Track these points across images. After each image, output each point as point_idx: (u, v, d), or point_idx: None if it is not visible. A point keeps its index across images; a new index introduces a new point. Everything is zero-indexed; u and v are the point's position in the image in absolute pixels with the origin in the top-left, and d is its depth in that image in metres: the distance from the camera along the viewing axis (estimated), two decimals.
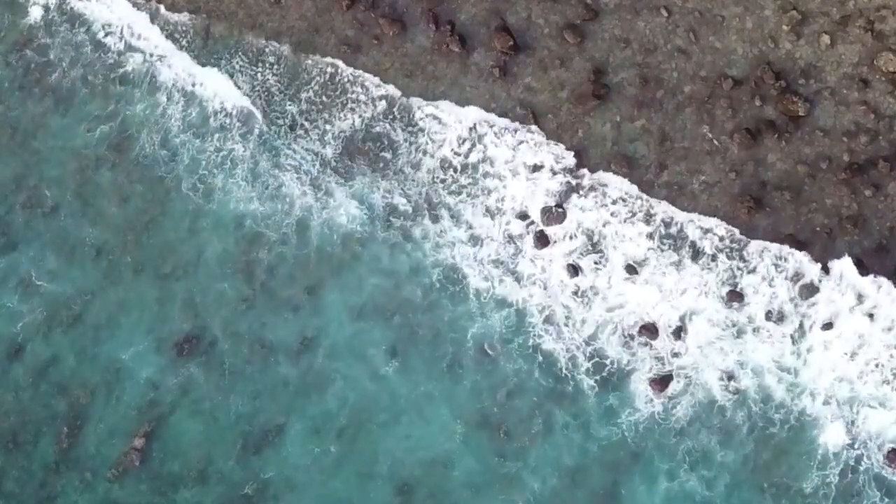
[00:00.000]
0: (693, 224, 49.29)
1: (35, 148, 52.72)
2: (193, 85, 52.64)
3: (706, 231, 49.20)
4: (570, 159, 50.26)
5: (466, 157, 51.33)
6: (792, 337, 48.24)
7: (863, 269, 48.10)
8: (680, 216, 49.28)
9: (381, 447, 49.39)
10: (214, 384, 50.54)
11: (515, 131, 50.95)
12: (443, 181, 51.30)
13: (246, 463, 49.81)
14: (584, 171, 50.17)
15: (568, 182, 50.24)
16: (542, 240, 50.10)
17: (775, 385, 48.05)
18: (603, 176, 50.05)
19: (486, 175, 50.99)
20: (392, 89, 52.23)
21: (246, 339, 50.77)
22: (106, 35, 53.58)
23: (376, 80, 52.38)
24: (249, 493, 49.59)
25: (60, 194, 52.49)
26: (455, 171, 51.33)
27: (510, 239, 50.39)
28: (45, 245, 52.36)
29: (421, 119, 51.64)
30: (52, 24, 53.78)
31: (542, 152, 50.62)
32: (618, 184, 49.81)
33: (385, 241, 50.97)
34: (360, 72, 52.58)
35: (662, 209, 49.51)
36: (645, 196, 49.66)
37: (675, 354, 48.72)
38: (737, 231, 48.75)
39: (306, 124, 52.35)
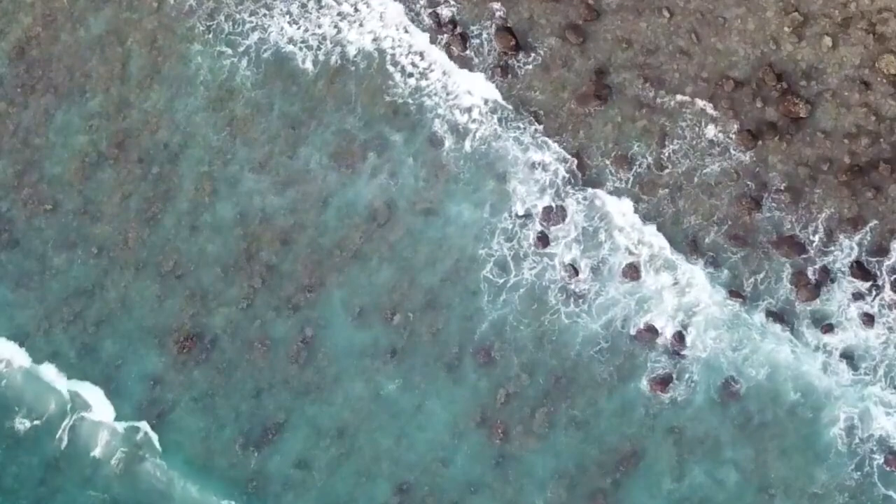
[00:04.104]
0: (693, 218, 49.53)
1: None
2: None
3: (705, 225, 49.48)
4: (571, 158, 50.37)
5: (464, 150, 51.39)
6: (793, 338, 48.35)
7: (863, 271, 48.20)
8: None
9: (384, 446, 49.69)
10: (215, 382, 50.65)
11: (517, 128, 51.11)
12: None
13: (246, 461, 49.92)
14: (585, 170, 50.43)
15: (569, 181, 50.29)
16: (542, 239, 50.12)
17: (777, 386, 48.13)
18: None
19: (487, 171, 51.04)
20: None
21: (247, 336, 50.87)
22: None
23: None
24: (249, 491, 49.72)
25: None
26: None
27: (515, 232, 50.47)
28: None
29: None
30: None
31: (543, 151, 50.63)
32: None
33: (405, 225, 51.01)
34: None
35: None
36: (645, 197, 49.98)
37: (676, 354, 48.77)
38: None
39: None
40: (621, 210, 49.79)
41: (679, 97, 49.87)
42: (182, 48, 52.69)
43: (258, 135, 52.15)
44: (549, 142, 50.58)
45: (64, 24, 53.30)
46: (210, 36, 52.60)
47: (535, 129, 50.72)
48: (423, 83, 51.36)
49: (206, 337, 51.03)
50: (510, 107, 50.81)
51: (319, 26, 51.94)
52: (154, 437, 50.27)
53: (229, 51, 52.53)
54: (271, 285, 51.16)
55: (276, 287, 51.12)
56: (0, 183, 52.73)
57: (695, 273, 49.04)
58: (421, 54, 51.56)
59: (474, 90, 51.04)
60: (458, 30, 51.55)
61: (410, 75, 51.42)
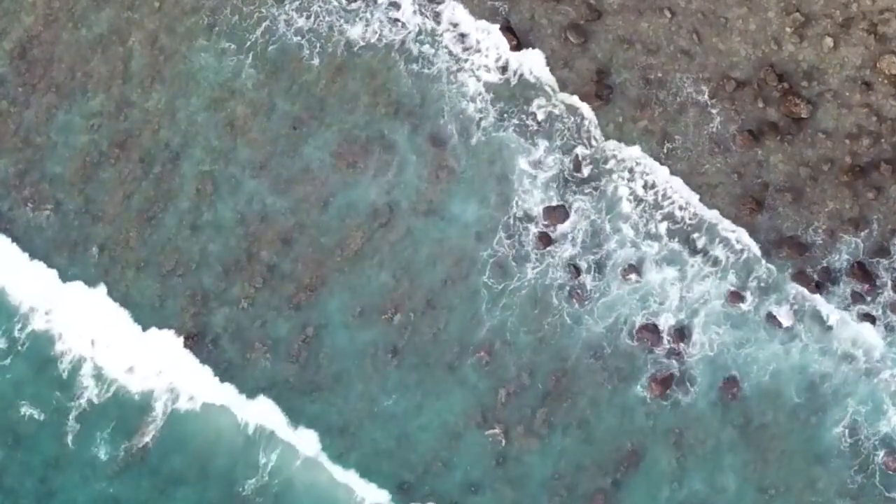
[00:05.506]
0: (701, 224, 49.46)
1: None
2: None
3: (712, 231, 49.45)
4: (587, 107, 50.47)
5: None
6: (793, 338, 48.37)
7: (864, 271, 48.22)
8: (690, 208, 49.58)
9: (384, 446, 49.67)
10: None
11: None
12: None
13: (246, 460, 49.94)
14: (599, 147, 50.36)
15: (570, 180, 50.35)
16: (544, 238, 50.12)
17: (780, 384, 48.15)
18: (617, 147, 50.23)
19: (490, 169, 51.02)
20: None
21: (248, 336, 50.87)
22: None
23: None
24: (250, 490, 49.71)
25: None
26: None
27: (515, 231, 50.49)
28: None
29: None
30: None
31: (549, 140, 50.58)
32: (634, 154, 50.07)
33: (407, 225, 50.96)
34: None
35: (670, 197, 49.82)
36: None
37: (678, 354, 48.77)
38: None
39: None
40: (635, 156, 49.73)
41: (680, 97, 49.92)
42: (184, 47, 52.71)
43: (259, 134, 52.14)
44: (567, 101, 50.30)
45: (65, 23, 53.31)
46: (215, 30, 52.55)
47: (553, 93, 50.55)
48: (427, 70, 51.33)
49: (206, 336, 51.03)
50: (541, 77, 50.70)
51: (329, 13, 51.84)
52: None
53: (233, 47, 52.48)
54: (272, 285, 51.17)
55: (277, 287, 51.12)
56: (1, 182, 52.72)
57: (739, 233, 48.99)
58: (430, 43, 51.45)
59: (503, 53, 50.83)
60: (460, 29, 51.64)
61: (416, 60, 51.35)
